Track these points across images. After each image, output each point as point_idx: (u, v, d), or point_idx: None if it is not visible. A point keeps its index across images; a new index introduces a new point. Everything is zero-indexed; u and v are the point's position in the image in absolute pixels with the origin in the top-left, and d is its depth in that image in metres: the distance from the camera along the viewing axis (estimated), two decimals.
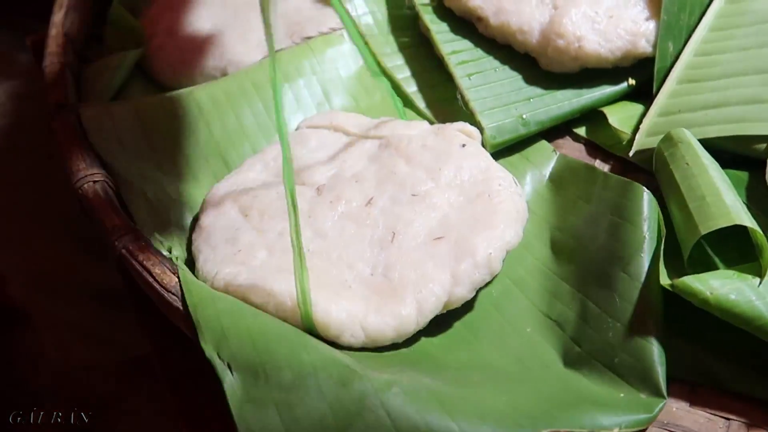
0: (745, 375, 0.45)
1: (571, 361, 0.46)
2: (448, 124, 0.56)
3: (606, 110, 0.60)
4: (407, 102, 0.63)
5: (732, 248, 0.48)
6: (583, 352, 0.46)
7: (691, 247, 0.46)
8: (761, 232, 0.44)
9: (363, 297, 0.46)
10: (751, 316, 0.43)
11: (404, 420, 0.38)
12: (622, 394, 0.43)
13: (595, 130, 0.60)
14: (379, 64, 0.65)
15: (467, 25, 0.65)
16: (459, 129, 0.55)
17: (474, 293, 0.48)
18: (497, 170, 0.53)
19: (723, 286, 0.43)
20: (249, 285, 0.47)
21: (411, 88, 0.64)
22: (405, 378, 0.40)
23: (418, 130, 0.56)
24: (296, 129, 0.60)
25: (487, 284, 0.49)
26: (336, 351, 0.43)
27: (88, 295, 0.95)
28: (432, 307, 0.46)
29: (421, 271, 0.47)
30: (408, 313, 0.46)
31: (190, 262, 0.51)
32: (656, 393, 0.43)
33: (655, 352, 0.43)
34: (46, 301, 0.96)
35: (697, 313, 0.45)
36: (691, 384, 0.46)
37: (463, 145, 0.54)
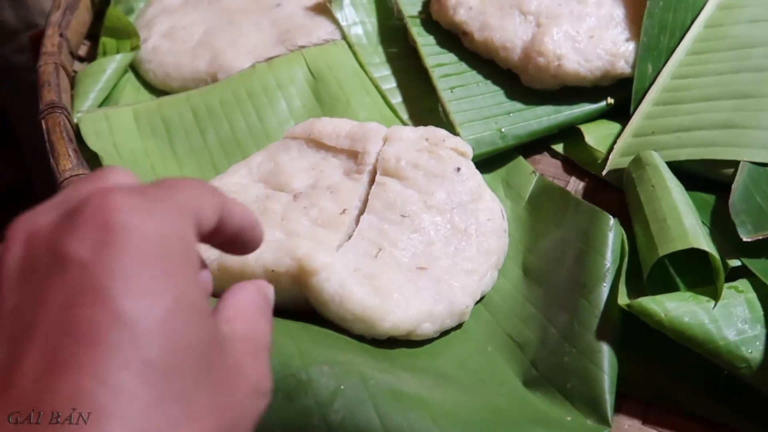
0: (698, 396, 0.46)
1: (527, 382, 0.47)
2: (440, 136, 0.56)
3: (583, 128, 0.61)
4: (392, 112, 0.64)
5: (694, 270, 0.49)
6: (539, 375, 0.47)
7: (651, 268, 0.47)
8: (718, 257, 0.45)
9: (348, 272, 0.48)
10: (703, 339, 0.44)
11: None
12: (569, 418, 0.44)
13: (573, 147, 0.61)
14: (367, 73, 0.66)
15: (453, 39, 0.66)
16: (453, 147, 0.55)
17: (438, 335, 0.49)
18: (488, 200, 0.54)
19: (678, 308, 0.45)
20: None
21: (396, 98, 0.65)
22: (353, 376, 0.42)
23: (406, 141, 0.57)
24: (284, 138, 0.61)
25: None
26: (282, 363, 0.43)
27: None
28: (400, 326, 0.47)
29: (402, 293, 0.48)
30: (381, 311, 0.47)
31: None
32: (602, 421, 0.44)
33: (606, 380, 0.44)
34: None
35: (655, 332, 0.46)
36: (645, 402, 0.47)
37: (458, 169, 0.54)
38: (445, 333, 0.50)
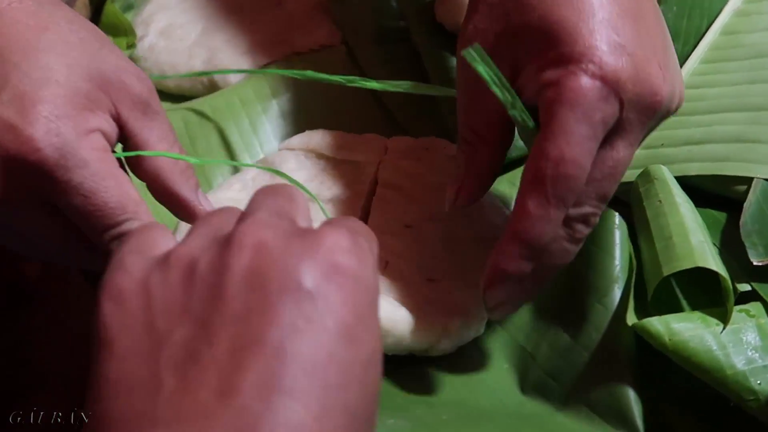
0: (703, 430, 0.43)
1: (545, 395, 0.45)
2: (441, 144, 0.55)
3: None
4: (390, 116, 0.62)
5: (702, 293, 0.46)
6: (558, 385, 0.45)
7: (656, 289, 0.45)
8: (727, 277, 0.43)
9: None
10: (710, 366, 0.41)
11: None
12: None
13: None
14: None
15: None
16: (454, 155, 0.53)
17: (455, 349, 0.47)
18: (493, 207, 0.52)
19: (684, 331, 0.42)
20: None
21: (395, 101, 0.62)
22: None
23: (406, 151, 0.55)
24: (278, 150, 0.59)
25: None
26: None
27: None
28: (422, 338, 0.45)
29: (415, 309, 0.46)
30: (403, 323, 0.45)
31: None
32: None
33: (630, 390, 0.43)
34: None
35: (659, 359, 0.43)
36: None
37: None
38: (461, 349, 0.48)
